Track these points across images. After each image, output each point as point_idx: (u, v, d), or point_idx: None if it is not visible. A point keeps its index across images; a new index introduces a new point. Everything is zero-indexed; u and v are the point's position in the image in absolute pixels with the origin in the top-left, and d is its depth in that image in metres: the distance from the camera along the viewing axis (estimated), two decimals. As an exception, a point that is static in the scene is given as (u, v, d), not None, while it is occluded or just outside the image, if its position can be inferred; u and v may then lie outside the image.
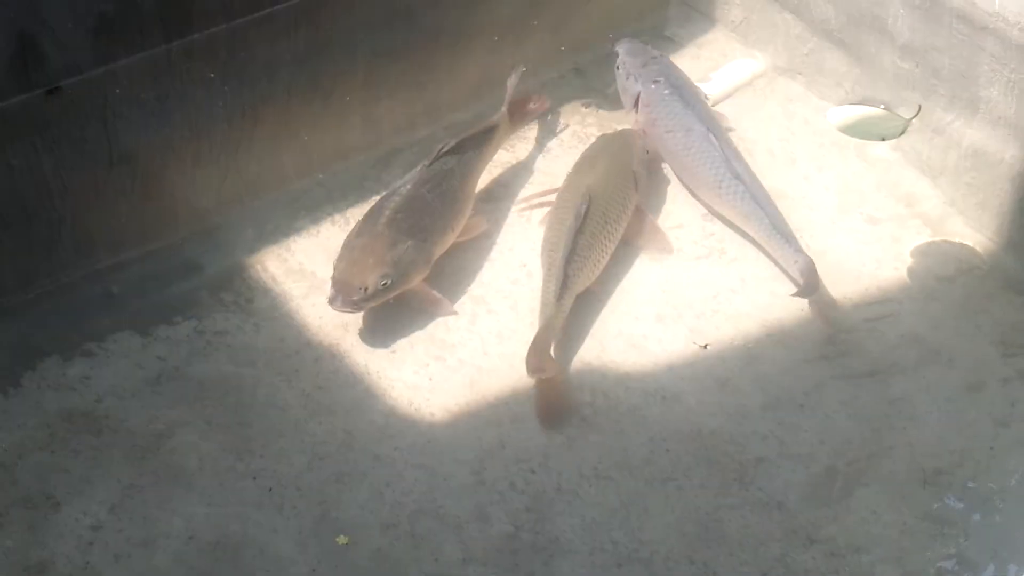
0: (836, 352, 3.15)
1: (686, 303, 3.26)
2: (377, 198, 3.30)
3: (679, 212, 3.50)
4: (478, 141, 3.41)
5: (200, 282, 3.24)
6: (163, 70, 3.19)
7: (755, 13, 3.91)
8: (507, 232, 3.42)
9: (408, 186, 3.23)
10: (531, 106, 3.66)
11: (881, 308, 3.26)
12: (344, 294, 3.04)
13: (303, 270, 3.28)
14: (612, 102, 3.77)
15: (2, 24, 2.90)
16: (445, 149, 3.31)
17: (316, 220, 3.42)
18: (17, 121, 3.01)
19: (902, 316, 3.25)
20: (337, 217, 3.44)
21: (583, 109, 3.80)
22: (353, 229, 3.21)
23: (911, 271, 3.36)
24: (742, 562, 2.72)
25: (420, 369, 3.09)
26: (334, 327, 3.17)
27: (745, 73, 3.89)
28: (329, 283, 3.08)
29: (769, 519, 2.80)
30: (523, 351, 3.05)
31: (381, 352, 3.13)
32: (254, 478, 2.85)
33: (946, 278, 3.34)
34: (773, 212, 3.33)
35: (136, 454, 2.85)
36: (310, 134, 3.47)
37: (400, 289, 3.13)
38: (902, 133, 3.55)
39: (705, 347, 3.16)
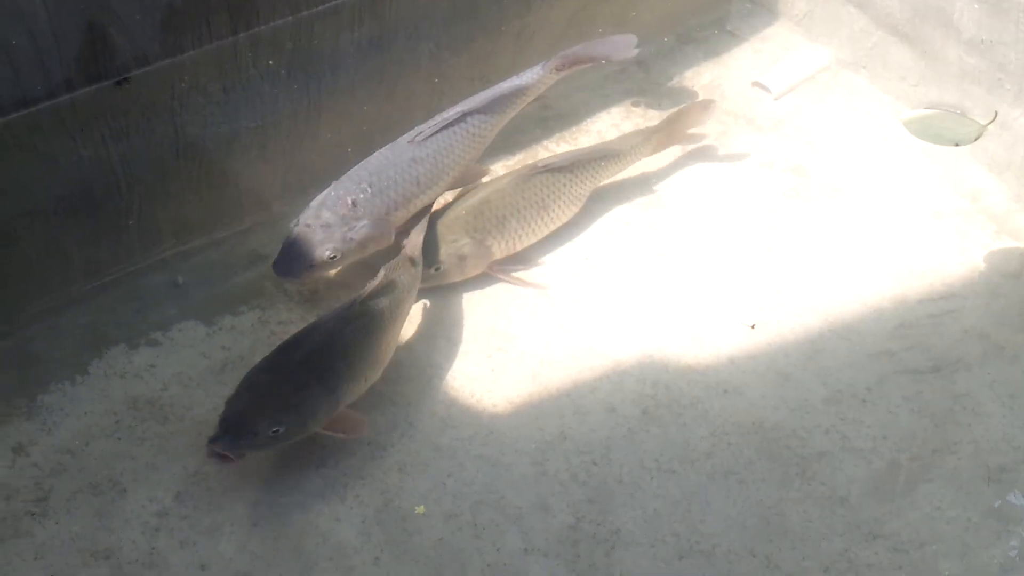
0: (900, 347, 3.14)
1: (748, 297, 3.25)
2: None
3: (741, 207, 3.49)
4: (407, 282, 3.08)
5: (264, 272, 3.25)
6: (229, 62, 3.22)
7: (819, 6, 3.89)
8: (569, 225, 3.42)
9: (328, 326, 2.92)
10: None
11: (945, 303, 3.24)
12: (231, 436, 2.72)
13: (365, 262, 3.29)
14: (664, 101, 3.76)
15: (72, 15, 2.94)
16: (378, 284, 2.97)
17: (379, 211, 3.43)
18: (87, 111, 3.04)
19: (966, 311, 3.23)
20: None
21: (632, 107, 3.79)
22: (259, 363, 2.88)
23: (975, 266, 3.34)
24: (804, 556, 2.72)
25: (482, 360, 3.10)
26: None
27: (808, 67, 3.87)
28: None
29: (832, 514, 2.80)
30: (585, 343, 3.07)
31: (443, 343, 3.14)
32: (317, 467, 2.87)
33: (1011, 274, 3.32)
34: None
35: (201, 442, 2.86)
36: (373, 126, 3.49)
37: (296, 439, 2.81)
38: (977, 138, 3.51)
39: (753, 327, 3.16)
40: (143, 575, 2.66)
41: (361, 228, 3.13)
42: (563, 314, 3.21)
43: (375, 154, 3.23)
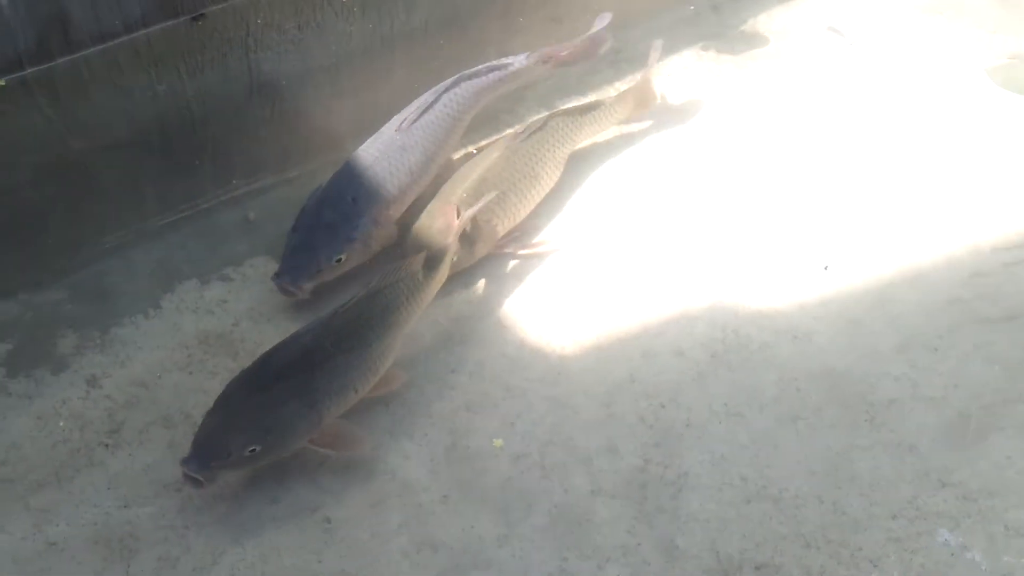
0: (972, 295, 3.11)
1: (820, 243, 3.23)
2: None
3: (816, 151, 3.47)
4: (411, 286, 2.91)
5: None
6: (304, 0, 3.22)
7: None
8: (636, 179, 3.41)
9: (308, 337, 2.78)
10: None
11: (1020, 252, 3.21)
12: (201, 458, 2.60)
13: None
14: (736, 45, 3.73)
15: (150, -49, 2.96)
16: (360, 296, 2.84)
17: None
18: (163, 48, 3.05)
19: (1041, 261, 3.20)
20: (472, 149, 3.46)
21: (702, 51, 3.76)
22: (237, 375, 2.77)
23: (1052, 215, 3.31)
24: (872, 503, 2.71)
25: (551, 303, 3.10)
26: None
27: (880, 12, 3.81)
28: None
29: (900, 461, 2.78)
30: (654, 288, 3.08)
31: (513, 285, 3.15)
32: (386, 405, 2.89)
33: (1088, 223, 3.29)
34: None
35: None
36: (446, 66, 3.48)
37: (273, 458, 2.69)
38: None
39: (826, 268, 3.14)
40: (214, 507, 2.70)
41: (364, 225, 3.06)
42: (633, 259, 3.21)
43: (362, 146, 3.18)
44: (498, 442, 2.80)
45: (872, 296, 3.11)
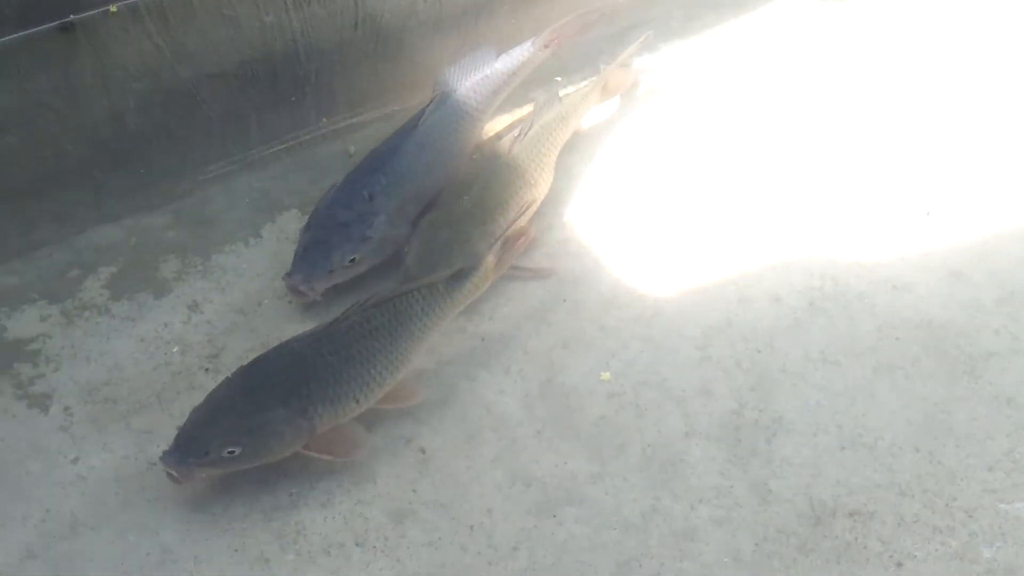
0: (1078, 249, 3.08)
1: (922, 194, 3.20)
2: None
3: (916, 97, 3.43)
4: (428, 298, 2.76)
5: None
6: (413, -68, 3.23)
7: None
8: (735, 122, 3.39)
9: (305, 343, 2.68)
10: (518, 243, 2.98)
11: None
12: (179, 452, 2.54)
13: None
14: None
15: None
16: (370, 302, 2.71)
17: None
18: (271, -23, 3.07)
19: None
20: (570, 88, 3.45)
21: None
22: (229, 376, 2.69)
23: None
24: (968, 454, 2.69)
25: (648, 244, 3.10)
26: (565, 191, 3.22)
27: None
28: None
29: (999, 413, 2.76)
30: (751, 233, 3.07)
31: (609, 224, 3.15)
32: (482, 339, 2.91)
33: None
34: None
35: (370, 309, 2.92)
36: (550, 5, 3.47)
37: (257, 462, 2.59)
38: None
39: (928, 215, 3.12)
40: (311, 434, 2.73)
41: (380, 225, 2.97)
42: (729, 203, 3.19)
43: (382, 142, 3.12)
44: (606, 375, 2.81)
45: (975, 248, 3.07)
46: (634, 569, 2.51)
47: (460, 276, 2.80)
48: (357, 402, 2.66)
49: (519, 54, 3.28)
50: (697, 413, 2.77)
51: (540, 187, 3.13)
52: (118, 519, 2.60)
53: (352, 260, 2.92)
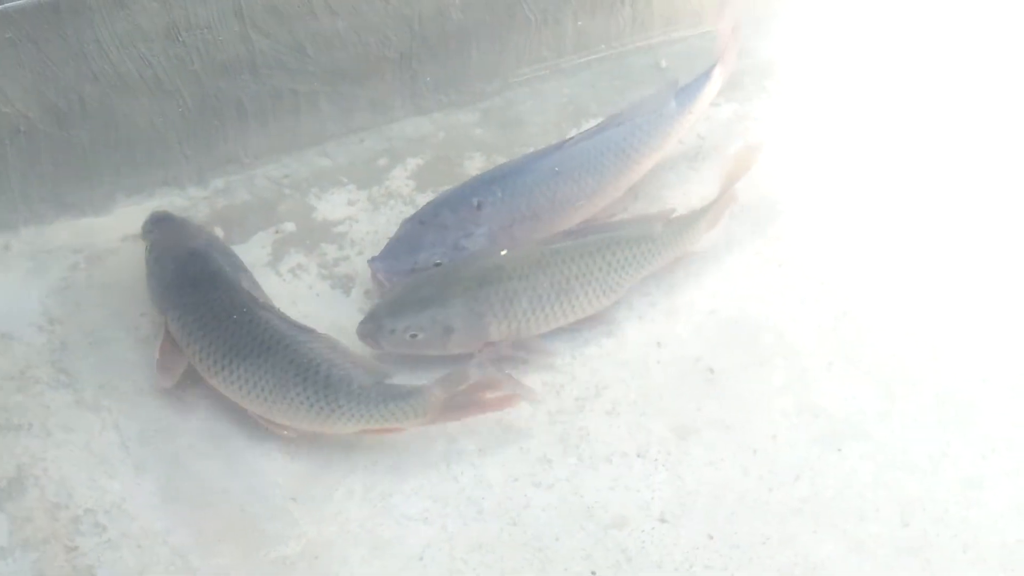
0: None
1: None
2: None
3: None
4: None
5: (744, 67, 3.22)
6: None
7: None
8: None
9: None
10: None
11: None
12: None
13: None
14: None
15: None
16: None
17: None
18: None
19: None
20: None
21: None
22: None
23: None
24: None
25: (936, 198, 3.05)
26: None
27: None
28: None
29: None
30: None
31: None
32: (780, 264, 2.89)
33: None
34: None
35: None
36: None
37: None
38: None
39: None
40: (600, 342, 2.77)
41: (478, 237, 2.80)
42: None
43: (521, 156, 2.96)
44: None
45: None
46: (917, 512, 2.47)
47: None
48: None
49: (698, 88, 3.00)
50: (998, 361, 2.71)
51: (576, 307, 2.75)
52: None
53: (438, 264, 2.76)
